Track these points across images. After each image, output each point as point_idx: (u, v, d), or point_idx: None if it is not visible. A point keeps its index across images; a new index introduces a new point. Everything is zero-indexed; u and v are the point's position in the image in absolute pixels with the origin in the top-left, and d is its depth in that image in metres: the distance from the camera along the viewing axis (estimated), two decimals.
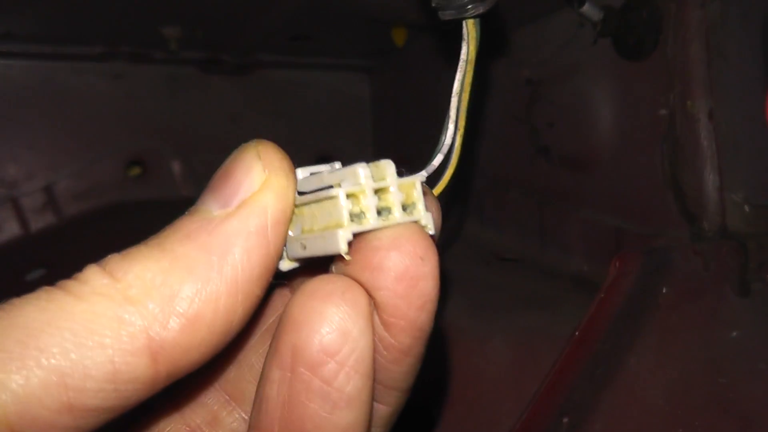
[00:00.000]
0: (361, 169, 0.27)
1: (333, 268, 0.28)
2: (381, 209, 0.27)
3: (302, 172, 0.30)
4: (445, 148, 0.31)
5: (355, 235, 0.27)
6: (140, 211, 0.96)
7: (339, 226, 0.27)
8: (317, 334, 0.26)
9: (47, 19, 0.85)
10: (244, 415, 0.33)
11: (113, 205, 0.97)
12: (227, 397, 0.34)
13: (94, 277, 0.24)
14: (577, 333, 0.54)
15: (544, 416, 0.53)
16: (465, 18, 0.33)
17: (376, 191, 0.27)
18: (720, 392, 0.55)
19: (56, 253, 0.88)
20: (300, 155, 1.00)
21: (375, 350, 0.27)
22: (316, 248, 0.28)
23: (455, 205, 0.94)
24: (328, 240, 0.27)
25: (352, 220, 0.27)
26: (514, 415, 0.54)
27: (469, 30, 0.32)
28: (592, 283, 0.68)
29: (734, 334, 0.58)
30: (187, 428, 0.33)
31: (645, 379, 0.55)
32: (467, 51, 0.32)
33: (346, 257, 0.27)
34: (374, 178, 0.27)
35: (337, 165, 0.31)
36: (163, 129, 1.01)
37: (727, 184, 0.62)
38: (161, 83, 1.00)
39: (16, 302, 0.24)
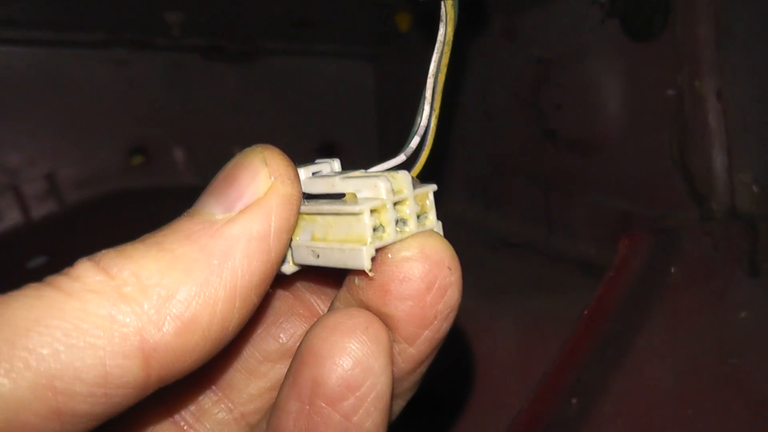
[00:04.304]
0: (383, 183, 0.27)
1: (356, 280, 0.28)
2: (397, 221, 0.27)
3: (304, 172, 0.29)
4: (421, 130, 0.31)
5: (376, 250, 0.27)
6: (142, 199, 0.95)
7: (361, 242, 0.26)
8: (339, 368, 0.26)
9: (49, 6, 0.85)
10: (230, 405, 0.32)
11: (115, 193, 0.96)
12: (213, 387, 0.32)
13: (86, 273, 0.23)
14: (586, 312, 0.53)
15: (553, 397, 0.52)
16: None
17: (394, 204, 0.27)
18: (730, 373, 0.54)
19: (58, 240, 0.87)
20: (302, 144, 0.99)
21: (393, 364, 0.27)
22: (333, 260, 0.27)
23: (461, 191, 0.93)
24: (349, 254, 0.27)
25: (373, 236, 0.27)
26: (521, 396, 0.53)
27: (448, 11, 0.32)
28: (600, 267, 0.67)
29: (744, 314, 0.57)
30: (171, 420, 0.32)
31: (654, 360, 0.54)
32: (444, 32, 0.32)
33: (370, 274, 0.27)
34: (393, 191, 0.27)
35: (336, 164, 0.31)
36: (165, 116, 1.00)
37: (736, 164, 0.62)
38: (164, 70, 1.00)
39: (2, 299, 0.22)
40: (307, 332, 0.27)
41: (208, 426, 0.32)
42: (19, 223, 0.92)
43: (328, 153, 1.09)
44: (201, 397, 0.32)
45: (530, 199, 0.82)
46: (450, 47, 0.32)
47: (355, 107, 1.13)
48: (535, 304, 0.67)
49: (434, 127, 0.32)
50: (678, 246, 0.58)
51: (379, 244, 0.26)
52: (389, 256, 0.27)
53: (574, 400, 0.52)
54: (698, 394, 0.53)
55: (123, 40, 0.95)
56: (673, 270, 0.57)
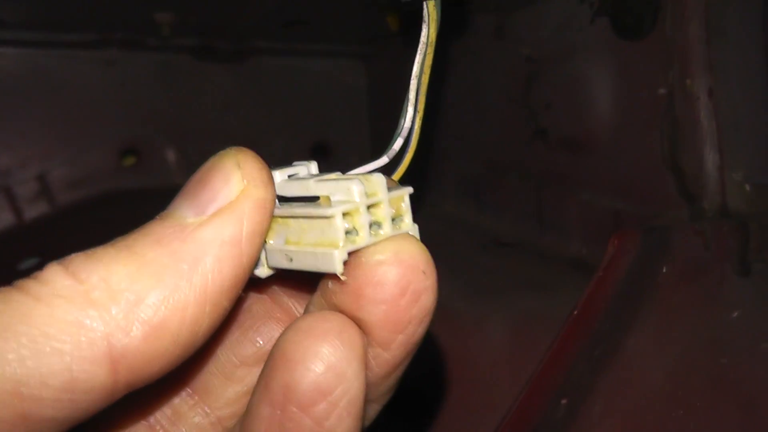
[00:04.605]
0: (356, 186, 0.26)
1: (329, 284, 0.28)
2: (371, 224, 0.27)
3: (280, 175, 0.29)
4: (404, 132, 0.31)
5: (349, 253, 0.26)
6: (134, 199, 0.95)
7: (333, 245, 0.26)
8: (311, 373, 0.25)
9: (39, 6, 0.84)
10: (207, 409, 0.32)
11: (107, 194, 0.96)
12: (189, 391, 0.32)
13: (55, 277, 0.23)
14: (575, 312, 0.53)
15: (542, 398, 0.52)
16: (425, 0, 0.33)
17: (368, 207, 0.27)
18: (721, 373, 0.54)
19: (50, 241, 0.87)
20: (295, 144, 0.99)
21: (368, 368, 0.27)
22: (306, 264, 0.27)
23: (452, 190, 0.93)
24: (321, 258, 0.26)
25: (345, 239, 0.26)
26: (511, 397, 0.53)
27: (430, 12, 0.32)
28: (591, 266, 0.67)
29: (735, 314, 0.57)
30: (147, 424, 0.31)
31: (645, 360, 0.54)
32: (427, 33, 0.32)
33: (342, 278, 0.26)
34: (367, 194, 0.27)
35: (313, 166, 0.31)
36: (156, 117, 1.00)
37: (727, 163, 0.62)
38: (155, 71, 0.99)
39: None
40: (280, 336, 0.27)
41: (184, 430, 0.31)
42: (10, 224, 0.91)
43: (321, 152, 1.08)
44: (177, 402, 0.32)
45: (521, 199, 0.82)
46: (433, 48, 0.32)
47: (347, 107, 1.13)
48: (526, 303, 0.66)
49: (418, 129, 0.31)
50: (669, 245, 0.58)
51: (351, 248, 0.26)
52: (363, 260, 0.26)
53: (563, 401, 0.51)
54: (689, 394, 0.53)
55: (113, 40, 0.94)
56: (663, 269, 0.57)
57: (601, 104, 0.70)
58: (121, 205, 0.94)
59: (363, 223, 0.26)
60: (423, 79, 0.32)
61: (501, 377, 0.61)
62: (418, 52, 0.32)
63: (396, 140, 0.31)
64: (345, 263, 0.26)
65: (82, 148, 0.96)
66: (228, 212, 0.25)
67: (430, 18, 0.32)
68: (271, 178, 0.27)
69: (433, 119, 0.92)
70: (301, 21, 0.95)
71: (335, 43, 1.09)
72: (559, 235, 0.76)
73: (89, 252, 0.24)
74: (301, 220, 0.27)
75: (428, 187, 0.95)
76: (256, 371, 0.32)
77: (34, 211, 0.93)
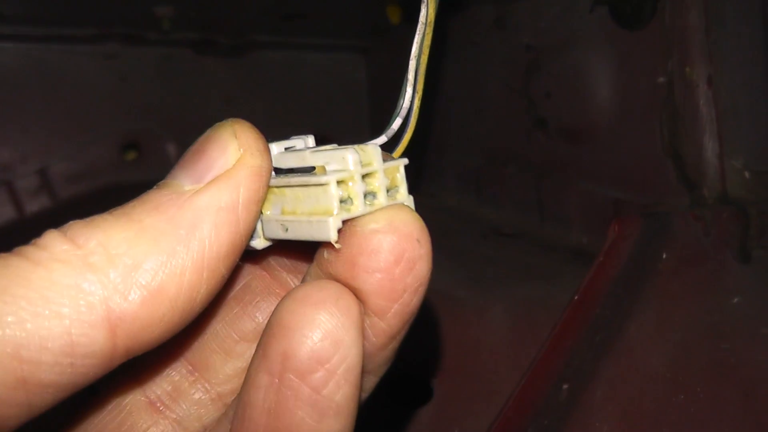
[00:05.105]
0: (351, 155, 0.27)
1: (325, 253, 0.28)
2: (366, 194, 0.27)
3: (276, 147, 0.30)
4: (403, 112, 0.31)
5: (344, 222, 0.27)
6: (135, 193, 0.94)
7: (328, 213, 0.26)
8: (308, 341, 0.25)
9: (39, 1, 0.84)
10: (207, 385, 0.32)
11: (108, 188, 0.96)
12: (190, 368, 0.32)
13: (53, 242, 0.23)
14: (576, 297, 0.53)
15: (544, 382, 0.52)
16: None
17: (363, 176, 0.27)
18: (722, 358, 0.54)
19: None
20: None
21: (365, 338, 0.27)
22: (301, 233, 0.27)
23: (453, 181, 0.93)
24: (316, 226, 0.27)
25: (340, 207, 0.27)
26: (513, 383, 0.53)
27: None
28: (592, 255, 0.67)
29: (735, 300, 0.57)
30: (147, 401, 0.32)
31: (646, 345, 0.54)
32: (426, 13, 0.32)
33: (336, 245, 0.26)
34: (362, 163, 0.27)
35: (310, 140, 0.31)
36: (157, 111, 1.00)
37: (727, 150, 0.62)
38: (155, 65, 0.99)
39: None
40: (277, 305, 0.27)
41: (184, 407, 0.32)
42: (11, 218, 0.91)
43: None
44: (177, 378, 0.32)
45: (522, 189, 0.82)
46: (432, 28, 0.32)
47: (347, 99, 1.13)
48: (528, 291, 0.66)
49: (417, 109, 0.32)
50: (669, 231, 0.58)
51: (346, 216, 0.26)
52: (357, 228, 0.27)
53: (565, 386, 0.52)
54: (690, 379, 0.53)
55: (113, 34, 0.95)
56: (664, 255, 0.57)
57: (600, 93, 0.70)
58: (122, 199, 0.93)
59: (358, 192, 0.27)
60: (422, 59, 0.32)
61: (503, 364, 0.61)
62: (417, 32, 0.32)
63: (395, 120, 0.31)
64: (340, 232, 0.26)
65: (82, 143, 0.96)
66: (225, 180, 0.25)
67: None
68: (267, 147, 0.27)
69: (433, 110, 0.92)
70: (300, 14, 0.95)
71: (335, 37, 1.09)
72: (560, 224, 0.76)
73: (87, 219, 0.24)
74: (296, 189, 0.28)
75: (428, 177, 0.95)
76: (255, 347, 0.32)
77: (35, 205, 0.93)
